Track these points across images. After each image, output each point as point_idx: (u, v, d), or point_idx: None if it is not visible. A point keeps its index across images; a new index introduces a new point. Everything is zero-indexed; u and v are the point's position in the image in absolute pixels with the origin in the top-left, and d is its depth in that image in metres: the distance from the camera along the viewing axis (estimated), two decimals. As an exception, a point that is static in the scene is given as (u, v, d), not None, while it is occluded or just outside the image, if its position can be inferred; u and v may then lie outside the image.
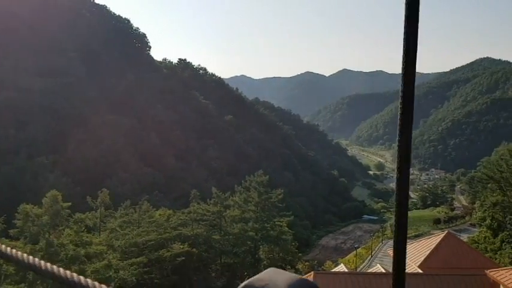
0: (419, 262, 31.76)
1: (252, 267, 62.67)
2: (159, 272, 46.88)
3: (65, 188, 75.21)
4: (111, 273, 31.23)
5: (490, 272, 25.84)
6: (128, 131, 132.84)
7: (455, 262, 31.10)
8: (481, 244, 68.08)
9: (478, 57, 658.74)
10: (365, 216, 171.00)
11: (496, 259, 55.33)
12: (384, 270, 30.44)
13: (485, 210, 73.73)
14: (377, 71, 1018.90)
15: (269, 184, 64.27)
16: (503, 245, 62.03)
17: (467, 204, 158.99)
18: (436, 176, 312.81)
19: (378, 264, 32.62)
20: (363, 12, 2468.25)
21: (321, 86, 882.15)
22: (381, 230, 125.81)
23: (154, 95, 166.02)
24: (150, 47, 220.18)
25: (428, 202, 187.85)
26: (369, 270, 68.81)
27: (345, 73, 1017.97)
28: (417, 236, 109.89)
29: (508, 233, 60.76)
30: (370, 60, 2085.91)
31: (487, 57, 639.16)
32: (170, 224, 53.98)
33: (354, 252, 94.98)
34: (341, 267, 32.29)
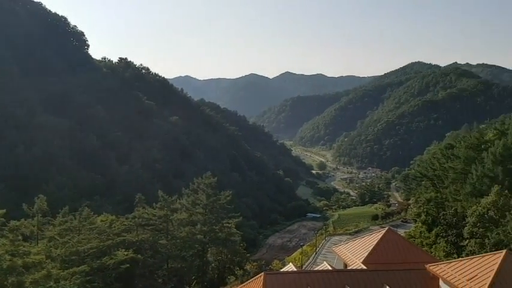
0: (363, 258, 33.03)
1: (200, 270, 62.01)
2: (102, 280, 44.97)
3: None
4: (51, 284, 29.57)
5: (429, 266, 27.41)
6: (65, 132, 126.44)
7: (396, 257, 32.68)
8: (417, 239, 71.97)
9: (410, 62, 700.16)
10: (309, 214, 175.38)
11: (431, 253, 58.84)
12: (330, 268, 31.30)
13: (420, 206, 78.05)
14: (317, 74, 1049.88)
15: (217, 185, 63.87)
16: (437, 239, 65.87)
17: (402, 201, 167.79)
18: (373, 174, 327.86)
19: (325, 262, 33.46)
20: (305, 17, 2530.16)
21: (266, 88, 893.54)
22: (324, 227, 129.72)
23: (93, 95, 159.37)
24: (88, 46, 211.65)
25: (367, 199, 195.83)
26: (315, 268, 70.52)
27: (287, 76, 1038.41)
28: (357, 232, 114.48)
29: (441, 228, 64.55)
30: (311, 63, 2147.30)
31: (418, 62, 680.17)
32: (113, 230, 51.95)
33: (300, 250, 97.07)
34: (290, 267, 32.71)
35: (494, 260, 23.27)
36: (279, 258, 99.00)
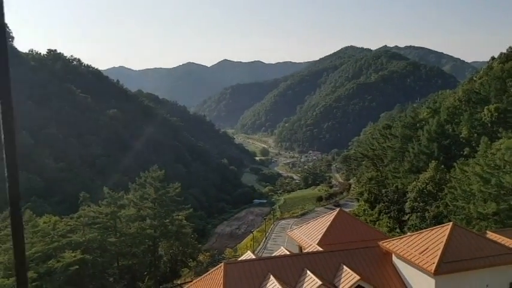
0: (318, 240, 34.00)
1: (153, 265, 60.86)
2: (50, 285, 42.79)
3: None
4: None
5: (382, 243, 28.78)
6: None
7: (349, 237, 33.96)
8: (361, 216, 75.48)
9: (343, 46, 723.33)
10: (255, 200, 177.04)
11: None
12: (288, 252, 31.90)
13: (362, 185, 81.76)
14: (255, 61, 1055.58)
15: (164, 178, 62.63)
16: (380, 215, 69.53)
17: (343, 181, 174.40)
18: (314, 158, 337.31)
19: (282, 247, 34.00)
20: (239, 3, 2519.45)
21: (204, 77, 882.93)
22: (271, 212, 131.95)
23: (22, 90, 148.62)
24: (13, 37, 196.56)
25: (310, 182, 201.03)
26: (266, 252, 71.84)
27: (225, 63, 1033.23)
28: (303, 215, 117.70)
29: (384, 205, 68.18)
30: (248, 51, 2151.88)
31: (351, 46, 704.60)
32: (58, 231, 49.44)
33: (251, 236, 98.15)
34: (248, 255, 32.91)
35: (442, 233, 24.86)
36: (229, 247, 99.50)
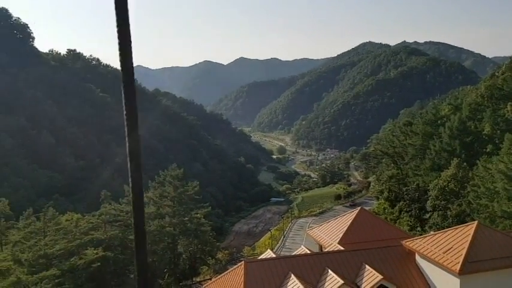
0: (339, 239, 33.68)
1: (172, 263, 61.34)
2: (72, 282, 43.48)
3: None
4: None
5: (406, 242, 28.31)
6: (16, 131, 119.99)
7: (371, 235, 33.53)
8: (381, 215, 74.58)
9: (361, 42, 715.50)
10: (273, 198, 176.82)
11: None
12: (308, 251, 31.68)
13: (383, 183, 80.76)
14: (271, 58, 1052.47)
15: (183, 177, 63.04)
16: (401, 214, 68.55)
17: (362, 179, 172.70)
18: (332, 155, 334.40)
19: (302, 246, 33.81)
20: (257, 1, 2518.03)
21: (221, 75, 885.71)
22: (289, 210, 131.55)
23: (43, 90, 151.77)
24: (33, 38, 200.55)
25: (327, 180, 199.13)
26: (285, 251, 71.59)
27: (242, 61, 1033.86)
28: (322, 213, 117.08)
29: (404, 203, 67.17)
30: (265, 48, 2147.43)
31: (369, 42, 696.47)
32: (80, 229, 50.23)
33: (268, 234, 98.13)
34: (268, 253, 32.79)
35: (467, 232, 24.31)
36: (247, 245, 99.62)
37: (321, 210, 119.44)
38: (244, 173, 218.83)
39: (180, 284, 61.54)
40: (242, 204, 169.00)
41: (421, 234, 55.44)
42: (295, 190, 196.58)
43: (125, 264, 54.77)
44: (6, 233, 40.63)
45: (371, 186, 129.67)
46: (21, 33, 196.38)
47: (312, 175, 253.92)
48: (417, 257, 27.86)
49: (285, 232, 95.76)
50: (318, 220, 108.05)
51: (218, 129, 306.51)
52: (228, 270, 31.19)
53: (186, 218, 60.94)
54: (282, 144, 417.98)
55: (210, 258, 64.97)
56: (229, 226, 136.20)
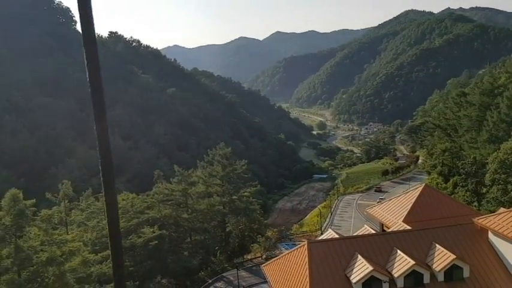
0: (403, 217, 32.38)
1: (223, 240, 62.12)
2: (132, 259, 44.85)
3: (6, 182, 69.27)
4: (92, 270, 29.05)
5: (478, 219, 26.75)
6: (66, 113, 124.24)
7: (437, 213, 32.04)
8: (433, 190, 72.01)
9: (403, 10, 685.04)
10: (315, 175, 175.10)
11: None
12: (372, 231, 30.73)
13: (436, 157, 77.64)
14: (309, 31, 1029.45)
15: (231, 156, 63.03)
16: (456, 189, 65.78)
17: (409, 153, 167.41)
18: (375, 129, 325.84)
19: (366, 225, 32.83)
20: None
21: (257, 51, 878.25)
22: (334, 187, 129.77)
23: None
24: (76, 22, 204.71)
25: (372, 155, 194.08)
26: (333, 229, 70.32)
27: (278, 35, 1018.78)
28: (369, 189, 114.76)
29: (460, 177, 64.30)
30: (301, 21, 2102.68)
31: (412, 10, 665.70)
32: (135, 208, 51.47)
33: (315, 211, 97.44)
34: (330, 233, 32.06)
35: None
36: (293, 222, 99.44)
37: (367, 187, 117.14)
38: (284, 150, 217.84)
39: (232, 261, 62.36)
40: (284, 181, 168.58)
41: (478, 209, 52.97)
42: (338, 166, 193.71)
43: (178, 242, 55.96)
44: (70, 214, 42.17)
45: (420, 161, 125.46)
46: (63, 17, 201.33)
47: (355, 150, 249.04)
48: (490, 235, 26.36)
49: (332, 209, 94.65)
50: (365, 197, 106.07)
51: (257, 106, 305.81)
52: (289, 251, 30.79)
53: (235, 197, 61.20)
54: (322, 120, 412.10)
55: (260, 236, 65.25)
56: (273, 204, 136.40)
